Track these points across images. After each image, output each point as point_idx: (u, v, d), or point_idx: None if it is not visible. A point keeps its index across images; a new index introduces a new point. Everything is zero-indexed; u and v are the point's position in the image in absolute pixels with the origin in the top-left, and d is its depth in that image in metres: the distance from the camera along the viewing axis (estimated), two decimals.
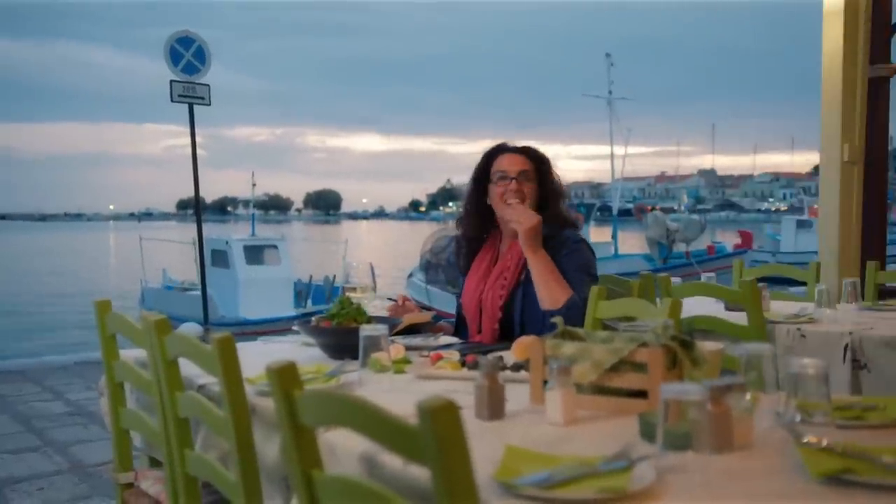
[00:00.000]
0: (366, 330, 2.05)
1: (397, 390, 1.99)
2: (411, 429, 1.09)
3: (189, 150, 8.80)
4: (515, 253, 2.86)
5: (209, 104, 8.65)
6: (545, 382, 1.77)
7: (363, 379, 2.04)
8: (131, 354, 2.50)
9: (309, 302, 18.03)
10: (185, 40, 8.62)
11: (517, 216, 2.77)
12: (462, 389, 1.97)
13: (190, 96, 8.50)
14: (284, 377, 1.39)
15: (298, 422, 1.38)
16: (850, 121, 4.51)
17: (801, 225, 29.60)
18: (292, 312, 16.89)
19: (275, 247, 18.02)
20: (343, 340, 2.37)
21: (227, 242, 17.29)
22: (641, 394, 1.72)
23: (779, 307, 3.65)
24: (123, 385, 2.45)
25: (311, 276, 18.99)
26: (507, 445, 1.41)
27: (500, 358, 2.23)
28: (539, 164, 2.92)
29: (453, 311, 3.18)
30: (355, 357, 2.33)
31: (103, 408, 2.68)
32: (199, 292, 16.57)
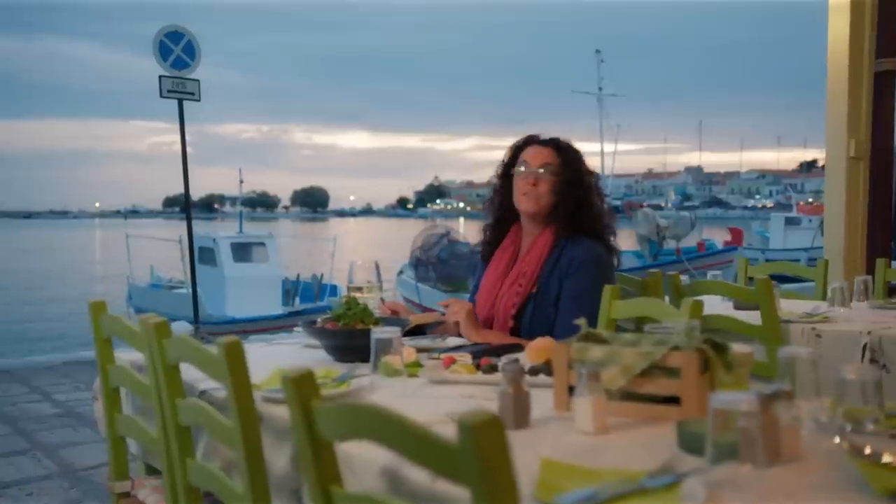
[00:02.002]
0: (377, 332, 1.94)
1: (411, 395, 1.89)
2: (450, 446, 0.99)
3: (177, 146, 8.68)
4: (532, 259, 2.77)
5: (199, 100, 8.52)
6: (570, 388, 1.68)
7: (374, 384, 1.94)
8: (127, 357, 2.40)
9: (297, 300, 17.91)
10: (175, 35, 8.49)
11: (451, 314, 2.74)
12: (479, 395, 1.88)
13: (179, 92, 8.37)
14: (301, 386, 1.29)
15: (317, 435, 1.29)
16: (855, 116, 4.44)
17: (790, 222, 29.63)
18: (280, 311, 16.77)
19: (262, 244, 17.87)
20: (350, 342, 2.27)
21: (213, 240, 17.13)
22: (672, 399, 1.63)
23: (787, 305, 3.56)
24: (119, 390, 2.35)
25: (298, 275, 18.84)
26: (543, 459, 1.31)
27: (517, 361, 2.14)
28: (567, 158, 2.79)
29: (443, 309, 3.08)
30: (362, 359, 2.24)
31: (97, 413, 2.57)
32: (185, 290, 16.47)
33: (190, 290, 14.53)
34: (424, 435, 1.04)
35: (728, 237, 25.57)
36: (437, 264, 17.67)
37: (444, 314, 2.97)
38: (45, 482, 4.33)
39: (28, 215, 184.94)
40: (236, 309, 16.38)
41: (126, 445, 2.39)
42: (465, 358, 2.23)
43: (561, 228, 2.78)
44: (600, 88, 30.41)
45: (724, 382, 1.69)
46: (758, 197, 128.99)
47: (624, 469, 1.29)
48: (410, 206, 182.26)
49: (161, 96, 8.28)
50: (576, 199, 2.79)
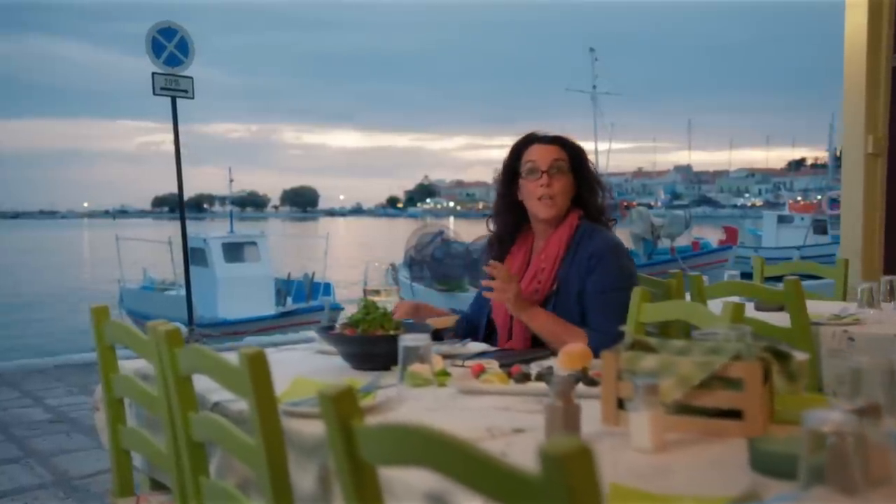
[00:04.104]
0: (407, 339, 1.81)
1: (443, 408, 1.76)
2: (531, 478, 0.86)
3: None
4: (549, 256, 2.64)
5: (192, 97, 8.37)
6: (619, 400, 1.56)
7: (402, 395, 1.81)
8: (130, 365, 2.27)
9: (289, 300, 17.75)
10: (168, 31, 8.33)
11: (498, 294, 2.54)
12: (515, 407, 1.75)
13: (173, 89, 8.21)
14: (341, 404, 1.16)
15: (358, 458, 1.15)
16: (873, 111, 4.33)
17: (782, 220, 29.62)
18: (272, 311, 16.61)
19: (254, 244, 17.72)
20: (371, 349, 2.14)
21: (204, 240, 16.96)
22: (727, 412, 1.51)
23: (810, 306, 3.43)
24: (123, 400, 2.21)
25: (289, 274, 18.68)
26: (611, 484, 1.18)
27: (550, 369, 2.01)
28: (573, 154, 2.70)
29: (439, 307, 2.95)
30: (383, 367, 2.12)
31: (98, 423, 2.43)
32: (177, 292, 16.27)
33: (181, 291, 14.37)
34: (497, 465, 0.91)
35: (719, 235, 25.51)
36: (432, 263, 17.61)
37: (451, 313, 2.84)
38: (39, 491, 4.18)
39: (16, 215, 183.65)
40: (228, 310, 16.23)
41: (130, 459, 2.25)
42: (492, 365, 2.11)
43: (576, 223, 2.67)
44: (594, 87, 30.34)
45: (781, 394, 1.58)
46: (747, 195, 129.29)
47: (701, 495, 1.16)
48: (400, 205, 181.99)
49: (154, 93, 8.12)
50: (589, 193, 2.71)
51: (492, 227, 2.84)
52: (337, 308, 16.83)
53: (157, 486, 2.30)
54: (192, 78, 8.36)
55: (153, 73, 8.13)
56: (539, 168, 2.63)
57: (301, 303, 17.25)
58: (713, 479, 1.26)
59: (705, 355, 1.54)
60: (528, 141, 2.73)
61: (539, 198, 2.62)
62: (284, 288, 18.00)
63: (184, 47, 8.34)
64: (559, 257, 2.62)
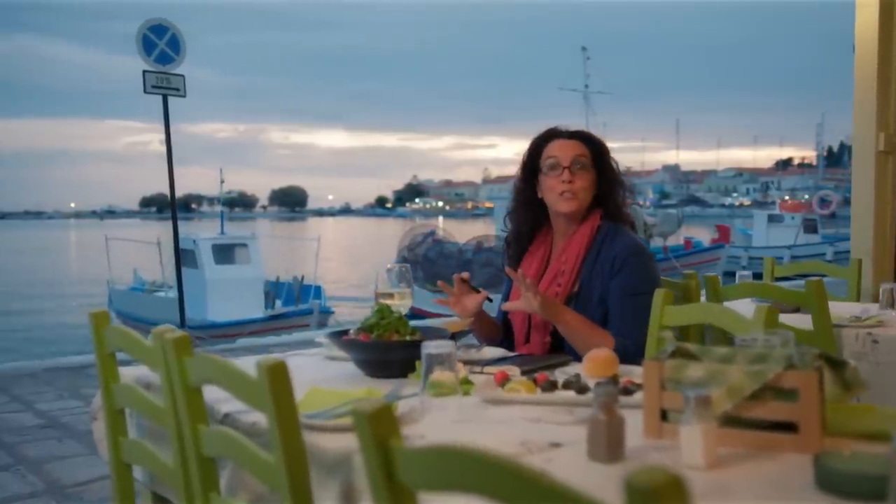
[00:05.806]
0: (429, 347, 1.70)
1: (470, 420, 1.65)
2: None
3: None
4: (571, 256, 2.53)
5: (184, 96, 8.24)
6: (663, 412, 1.46)
7: (426, 405, 1.71)
8: (131, 373, 2.15)
9: (278, 303, 17.61)
10: (159, 29, 8.21)
11: (527, 305, 2.37)
12: (546, 418, 1.65)
13: (164, 87, 8.08)
14: (378, 423, 1.05)
15: (398, 483, 1.05)
16: (885, 108, 4.25)
17: (772, 219, 29.66)
18: (262, 314, 16.47)
19: (245, 245, 17.56)
20: (386, 356, 2.04)
21: (194, 241, 16.80)
22: (779, 425, 1.41)
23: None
24: (124, 411, 2.10)
25: (278, 277, 18.53)
26: None
27: (578, 377, 1.91)
28: (596, 150, 2.60)
29: (432, 309, 2.85)
30: (400, 374, 2.02)
31: (97, 434, 2.32)
32: (166, 293, 16.09)
33: (170, 293, 14.19)
34: (571, 495, 0.81)
35: (708, 234, 25.52)
36: (425, 263, 17.55)
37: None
38: (30, 500, 4.05)
39: (2, 216, 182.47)
40: (217, 312, 16.07)
41: (132, 473, 2.13)
42: (514, 372, 2.00)
43: (597, 223, 2.57)
44: (586, 86, 30.29)
45: (837, 403, 1.48)
46: (735, 195, 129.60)
47: None
48: (389, 205, 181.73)
49: (145, 92, 7.99)
50: (610, 191, 2.61)
51: (508, 225, 2.74)
52: (327, 311, 16.71)
53: (160, 500, 2.19)
54: (183, 76, 8.23)
55: (144, 71, 8.01)
56: (560, 164, 2.54)
57: (291, 305, 17.13)
58: (778, 500, 1.16)
59: (752, 363, 1.44)
60: (549, 136, 2.63)
61: (561, 193, 2.52)
62: (273, 290, 17.85)
63: (175, 45, 8.22)
64: (581, 258, 2.52)
